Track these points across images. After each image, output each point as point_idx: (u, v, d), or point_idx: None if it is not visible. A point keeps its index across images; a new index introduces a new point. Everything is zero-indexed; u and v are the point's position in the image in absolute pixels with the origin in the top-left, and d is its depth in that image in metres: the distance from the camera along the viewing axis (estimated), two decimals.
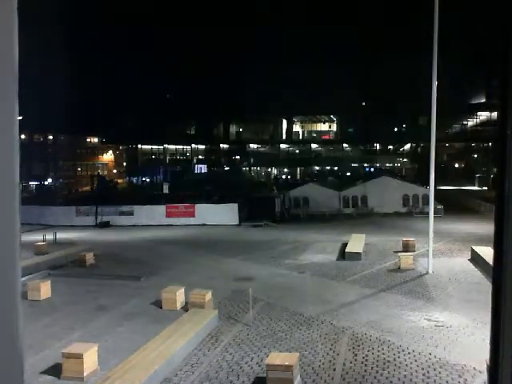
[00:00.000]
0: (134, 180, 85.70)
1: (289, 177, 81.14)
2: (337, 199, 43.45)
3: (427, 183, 24.16)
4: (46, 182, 75.57)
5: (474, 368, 11.25)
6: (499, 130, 1.53)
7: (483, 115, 75.89)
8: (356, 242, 25.81)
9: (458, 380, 10.79)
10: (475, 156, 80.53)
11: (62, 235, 33.02)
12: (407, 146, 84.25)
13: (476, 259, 21.93)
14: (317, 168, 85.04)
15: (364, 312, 15.77)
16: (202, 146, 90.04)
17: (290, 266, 22.73)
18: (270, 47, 70.27)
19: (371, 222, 36.93)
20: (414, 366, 11.54)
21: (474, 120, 79.41)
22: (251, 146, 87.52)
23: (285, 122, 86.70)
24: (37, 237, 30.87)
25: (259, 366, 11.77)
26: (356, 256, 23.48)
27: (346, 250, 24.26)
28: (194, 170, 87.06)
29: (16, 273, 1.18)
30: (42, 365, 12.05)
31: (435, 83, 20.46)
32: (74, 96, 60.33)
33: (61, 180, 78.84)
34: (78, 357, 11.23)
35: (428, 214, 21.64)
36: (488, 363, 9.15)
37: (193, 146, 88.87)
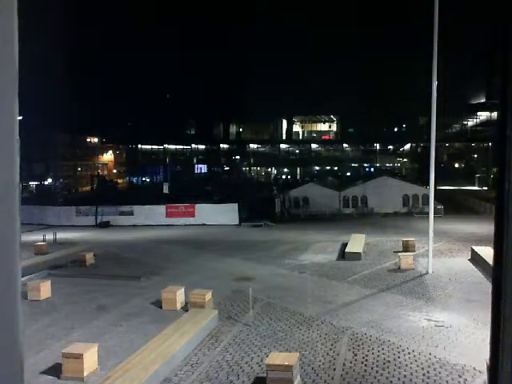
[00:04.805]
0: (134, 180, 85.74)
1: (289, 177, 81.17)
2: (337, 199, 43.44)
3: (427, 183, 24.16)
4: (45, 182, 75.57)
5: (474, 368, 11.24)
6: (499, 130, 1.53)
7: (483, 115, 75.91)
8: (356, 242, 25.81)
9: (458, 380, 10.78)
10: (475, 156, 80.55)
11: (62, 235, 33.02)
12: (407, 146, 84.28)
13: (476, 259, 21.92)
14: (317, 168, 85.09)
15: (364, 312, 15.76)
16: (202, 146, 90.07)
17: (290, 266, 22.72)
18: (270, 47, 70.30)
19: (371, 222, 36.91)
20: (414, 366, 11.53)
21: (474, 120, 79.43)
22: (251, 146, 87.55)
23: (285, 122, 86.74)
24: (37, 237, 30.87)
25: (259, 365, 11.76)
26: (356, 256, 23.47)
27: (346, 250, 24.25)
28: (194, 170, 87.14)
29: (16, 273, 1.18)
30: (42, 365, 12.04)
31: (435, 83, 20.46)
32: (74, 96, 60.31)
33: (61, 180, 78.83)
34: (78, 357, 11.23)
35: (428, 213, 21.64)
36: (488, 363, 9.15)
37: (193, 146, 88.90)
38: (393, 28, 67.24)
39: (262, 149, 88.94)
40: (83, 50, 67.89)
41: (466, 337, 13.35)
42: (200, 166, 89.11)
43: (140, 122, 76.17)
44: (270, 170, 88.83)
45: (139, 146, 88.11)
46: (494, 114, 69.19)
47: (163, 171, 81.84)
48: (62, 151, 77.12)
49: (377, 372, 11.31)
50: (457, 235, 29.80)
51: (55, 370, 11.62)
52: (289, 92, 70.13)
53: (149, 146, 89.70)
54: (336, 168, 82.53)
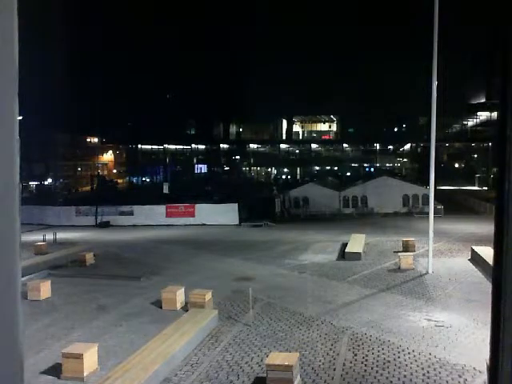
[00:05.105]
0: (134, 180, 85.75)
1: (289, 177, 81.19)
2: (337, 199, 43.44)
3: (427, 183, 24.16)
4: (45, 182, 75.58)
5: (474, 368, 11.24)
6: (499, 130, 1.53)
7: (483, 115, 75.93)
8: (356, 242, 25.81)
9: (458, 380, 10.78)
10: (475, 156, 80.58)
11: (61, 235, 33.02)
12: (407, 146, 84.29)
13: (476, 259, 21.92)
14: (317, 168, 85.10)
15: (364, 312, 15.76)
16: (202, 146, 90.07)
17: (290, 266, 22.72)
18: (270, 47, 70.29)
19: (371, 222, 36.91)
20: (414, 366, 11.53)
21: (474, 120, 79.46)
22: (251, 146, 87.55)
23: (285, 122, 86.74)
24: (37, 237, 30.87)
25: (259, 366, 11.76)
26: (356, 256, 23.47)
27: (346, 250, 24.25)
28: (194, 170, 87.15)
29: (16, 273, 1.18)
30: (42, 365, 12.04)
31: (435, 83, 20.46)
32: (74, 96, 60.32)
33: (61, 180, 78.85)
34: (78, 357, 11.23)
35: (428, 213, 21.64)
36: (488, 363, 9.14)
37: (193, 146, 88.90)
38: (393, 28, 67.28)
39: (262, 149, 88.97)
40: (83, 50, 67.88)
41: (466, 337, 13.35)
42: (200, 165, 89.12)
43: (140, 122, 76.19)
44: (269, 170, 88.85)
45: (139, 146, 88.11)
46: (494, 114, 69.21)
47: (163, 171, 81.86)
48: (62, 151, 77.13)
49: (377, 372, 11.30)
50: (457, 235, 29.79)
51: (55, 370, 11.62)
52: (289, 92, 70.14)
53: (149, 146, 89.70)
54: (336, 168, 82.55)
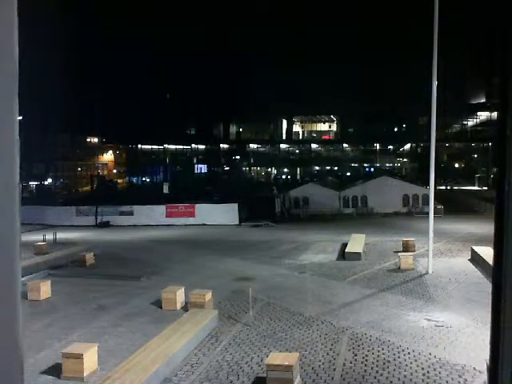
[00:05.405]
0: (134, 180, 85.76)
1: (289, 177, 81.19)
2: (337, 199, 43.46)
3: (427, 183, 24.17)
4: (46, 182, 75.58)
5: (474, 368, 11.23)
6: (499, 130, 1.53)
7: (483, 115, 75.96)
8: (356, 242, 25.80)
9: (458, 380, 10.77)
10: (475, 156, 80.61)
11: (61, 235, 33.02)
12: (407, 146, 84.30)
13: (476, 259, 21.92)
14: (317, 168, 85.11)
15: (364, 312, 15.75)
16: (202, 146, 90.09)
17: (290, 266, 22.72)
18: (270, 47, 70.31)
19: (371, 222, 36.91)
20: (414, 366, 11.52)
21: (474, 120, 79.49)
22: (251, 146, 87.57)
23: (285, 122, 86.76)
24: (37, 237, 30.86)
25: (259, 366, 11.75)
26: (356, 256, 23.46)
27: (346, 250, 24.25)
28: (194, 170, 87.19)
29: (16, 273, 1.18)
30: (42, 365, 12.04)
31: (435, 83, 20.45)
32: (74, 96, 60.31)
33: (61, 180, 78.83)
34: (78, 357, 11.22)
35: (428, 213, 21.64)
36: (488, 363, 9.14)
37: (193, 145, 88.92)
38: (393, 28, 67.29)
39: (262, 149, 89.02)
40: (83, 50, 67.89)
41: (466, 337, 13.34)
42: (200, 166, 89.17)
43: (140, 122, 76.18)
44: (269, 170, 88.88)
45: (139, 145, 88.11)
46: (494, 114, 69.18)
47: (163, 171, 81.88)
48: (62, 151, 77.13)
49: (377, 372, 11.30)
50: (457, 235, 29.78)
51: (55, 370, 11.62)
52: (289, 92, 70.17)
53: (149, 146, 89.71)
54: (336, 168, 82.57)
